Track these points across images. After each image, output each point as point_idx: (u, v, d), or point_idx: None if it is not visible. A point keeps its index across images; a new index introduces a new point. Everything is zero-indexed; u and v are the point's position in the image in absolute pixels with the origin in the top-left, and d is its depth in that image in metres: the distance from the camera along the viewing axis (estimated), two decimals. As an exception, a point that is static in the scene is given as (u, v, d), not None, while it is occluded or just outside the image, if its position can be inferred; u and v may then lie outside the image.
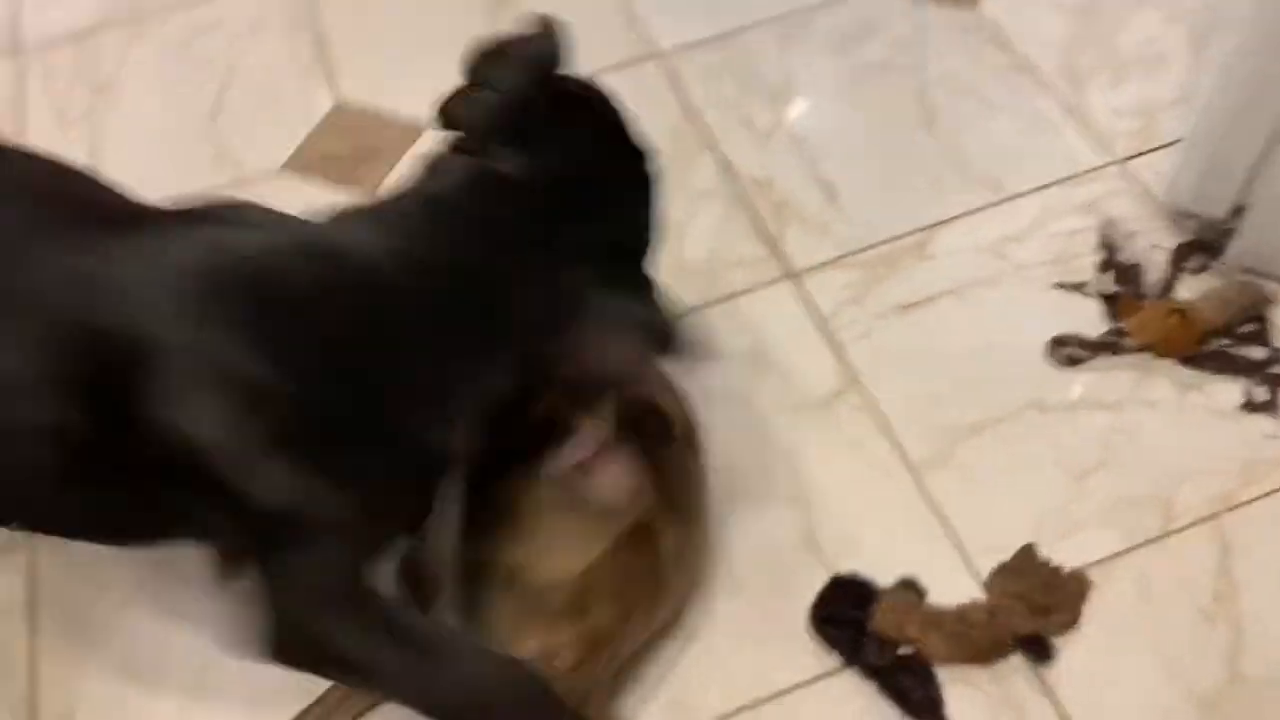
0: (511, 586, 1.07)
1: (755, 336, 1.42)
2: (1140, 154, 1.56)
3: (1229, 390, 1.31)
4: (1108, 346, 1.35)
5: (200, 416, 0.87)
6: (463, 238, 0.99)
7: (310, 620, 0.92)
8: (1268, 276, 1.39)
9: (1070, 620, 1.14)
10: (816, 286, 1.46)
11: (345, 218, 1.02)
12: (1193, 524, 1.21)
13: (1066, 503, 1.25)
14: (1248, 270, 1.39)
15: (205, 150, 1.73)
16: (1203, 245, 1.42)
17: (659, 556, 1.10)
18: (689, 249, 1.53)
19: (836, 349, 1.40)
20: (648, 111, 1.76)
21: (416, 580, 1.09)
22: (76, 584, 1.27)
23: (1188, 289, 1.39)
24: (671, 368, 1.23)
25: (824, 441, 1.32)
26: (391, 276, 0.95)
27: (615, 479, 1.10)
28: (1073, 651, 1.14)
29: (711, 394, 1.31)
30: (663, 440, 1.15)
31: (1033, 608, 1.12)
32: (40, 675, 1.21)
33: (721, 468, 1.25)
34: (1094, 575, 1.18)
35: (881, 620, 1.12)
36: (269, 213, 1.02)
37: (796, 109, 1.70)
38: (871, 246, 1.50)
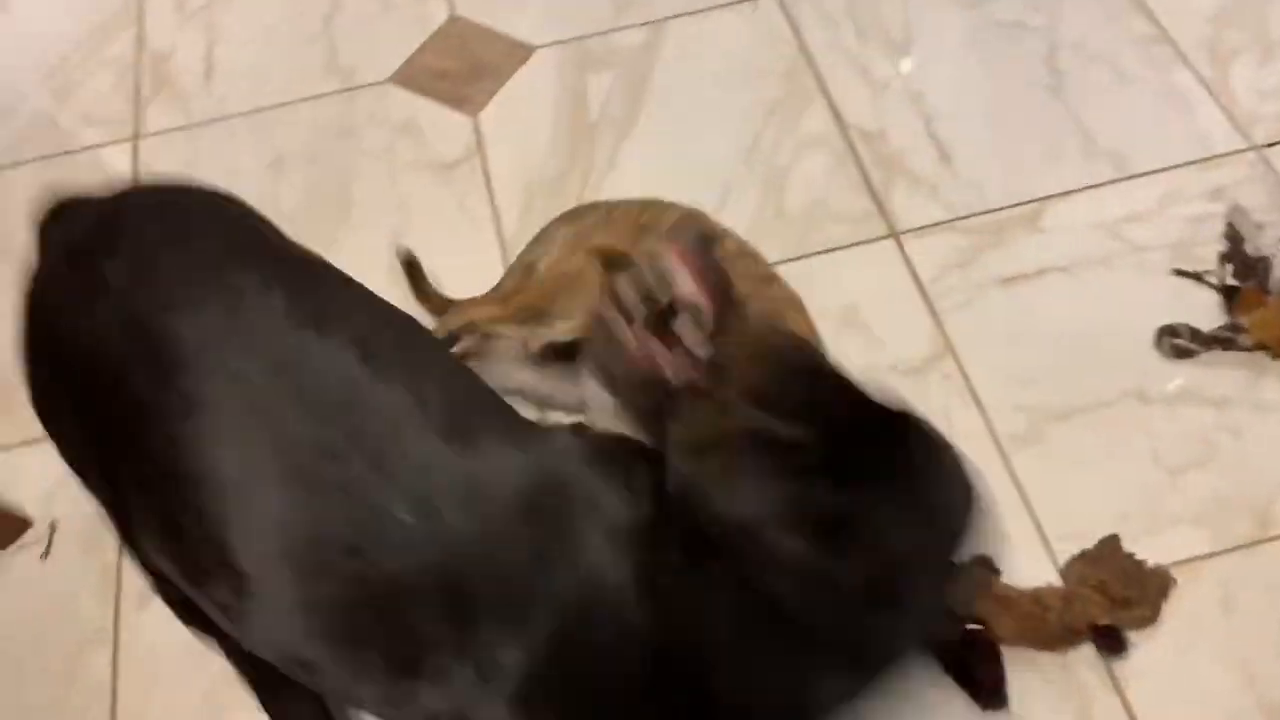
0: None
1: (851, 294, 1.39)
2: (1281, 142, 1.48)
3: (1347, 400, 1.25)
4: (1221, 341, 1.29)
5: None
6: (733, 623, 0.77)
7: None
8: (1405, 284, 1.31)
9: (1150, 616, 1.11)
10: (920, 249, 1.42)
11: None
12: (1289, 535, 1.17)
13: (1157, 498, 1.21)
14: (1384, 276, 1.31)
15: (317, 54, 1.74)
16: (1338, 245, 1.35)
17: None
18: (790, 197, 1.49)
19: (934, 315, 1.36)
20: (763, 52, 1.73)
21: None
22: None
23: (1315, 290, 1.33)
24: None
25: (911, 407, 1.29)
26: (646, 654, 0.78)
27: None
28: (1147, 649, 1.11)
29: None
30: None
31: (1111, 599, 1.09)
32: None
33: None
34: (1178, 575, 1.14)
35: (953, 594, 1.10)
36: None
37: (916, 62, 1.64)
38: (982, 213, 1.44)
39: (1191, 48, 1.58)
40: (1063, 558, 1.16)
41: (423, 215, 1.54)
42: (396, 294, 1.46)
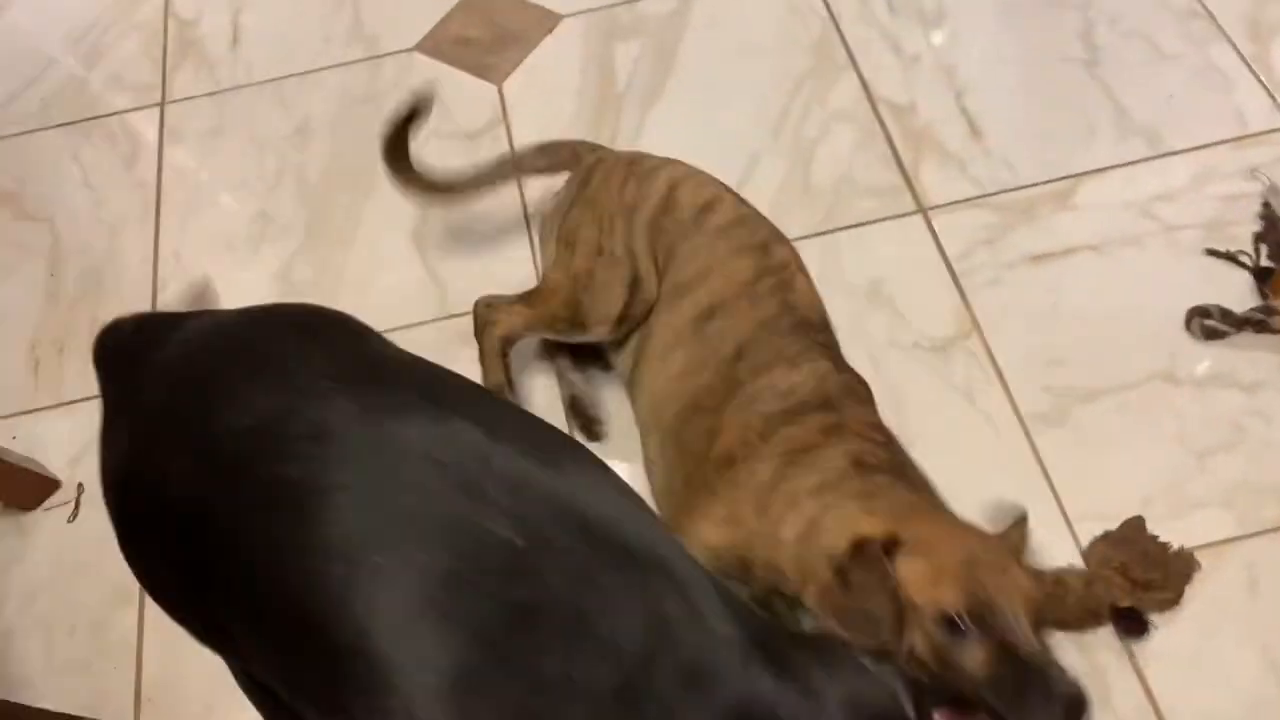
0: None
1: (877, 269, 1.38)
2: (1321, 121, 1.44)
3: (1381, 385, 1.23)
4: (1253, 323, 1.27)
5: None
6: None
7: None
8: None
9: (1173, 599, 1.10)
10: (948, 225, 1.40)
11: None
12: (1316, 521, 1.16)
13: (1183, 480, 1.19)
14: None
15: (342, 22, 1.73)
16: (1376, 227, 1.32)
17: None
18: (817, 170, 1.48)
19: (960, 292, 1.35)
20: (792, 22, 1.71)
21: None
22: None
23: (1352, 272, 1.30)
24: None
25: (934, 384, 1.29)
26: None
27: None
28: (1169, 632, 1.10)
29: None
30: None
31: (1133, 581, 1.08)
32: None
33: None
34: (1202, 558, 1.13)
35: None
36: None
37: (948, 35, 1.61)
38: (1012, 189, 1.42)
39: (1231, 23, 1.55)
40: (1086, 539, 1.15)
41: (447, 184, 1.53)
42: (417, 262, 1.46)
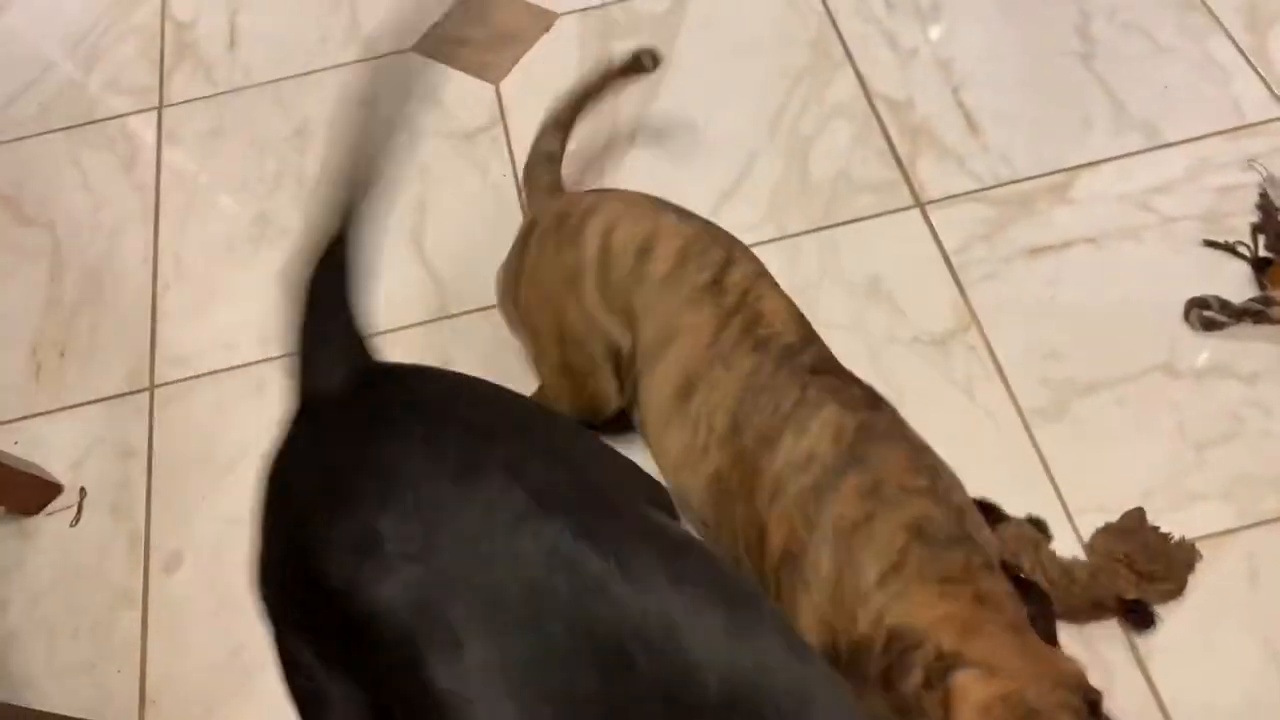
0: None
1: (875, 264, 1.38)
2: (1318, 111, 1.45)
3: (1380, 375, 1.23)
4: (1252, 314, 1.27)
5: None
6: None
7: None
8: None
9: (1175, 590, 1.10)
10: (945, 219, 1.41)
11: None
12: (1316, 511, 1.16)
13: (1183, 472, 1.20)
14: None
15: (339, 23, 1.74)
16: (1374, 217, 1.32)
17: None
18: (814, 167, 1.48)
19: (959, 286, 1.35)
20: (788, 19, 1.71)
21: None
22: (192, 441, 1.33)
23: (1350, 262, 1.30)
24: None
25: (933, 378, 1.29)
26: None
27: None
28: (1171, 623, 1.10)
29: (823, 317, 1.28)
30: None
31: (1137, 573, 1.08)
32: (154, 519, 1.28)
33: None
34: (1203, 549, 1.13)
35: (1003, 543, 1.09)
36: None
37: (945, 29, 1.61)
38: (1009, 183, 1.43)
39: (1228, 14, 1.55)
40: (1087, 532, 1.16)
41: (444, 184, 1.54)
42: (415, 265, 1.46)
